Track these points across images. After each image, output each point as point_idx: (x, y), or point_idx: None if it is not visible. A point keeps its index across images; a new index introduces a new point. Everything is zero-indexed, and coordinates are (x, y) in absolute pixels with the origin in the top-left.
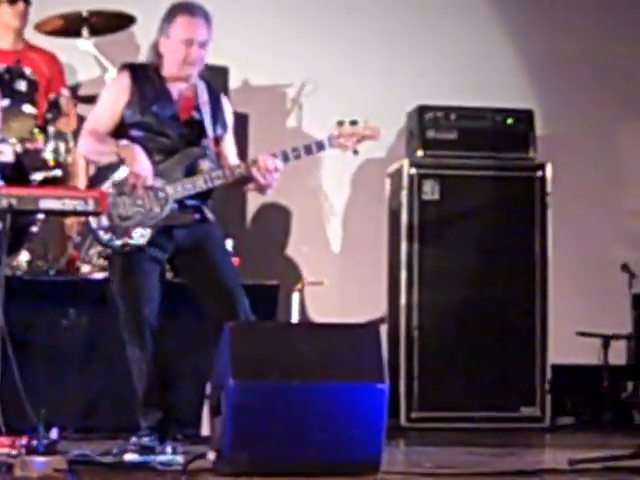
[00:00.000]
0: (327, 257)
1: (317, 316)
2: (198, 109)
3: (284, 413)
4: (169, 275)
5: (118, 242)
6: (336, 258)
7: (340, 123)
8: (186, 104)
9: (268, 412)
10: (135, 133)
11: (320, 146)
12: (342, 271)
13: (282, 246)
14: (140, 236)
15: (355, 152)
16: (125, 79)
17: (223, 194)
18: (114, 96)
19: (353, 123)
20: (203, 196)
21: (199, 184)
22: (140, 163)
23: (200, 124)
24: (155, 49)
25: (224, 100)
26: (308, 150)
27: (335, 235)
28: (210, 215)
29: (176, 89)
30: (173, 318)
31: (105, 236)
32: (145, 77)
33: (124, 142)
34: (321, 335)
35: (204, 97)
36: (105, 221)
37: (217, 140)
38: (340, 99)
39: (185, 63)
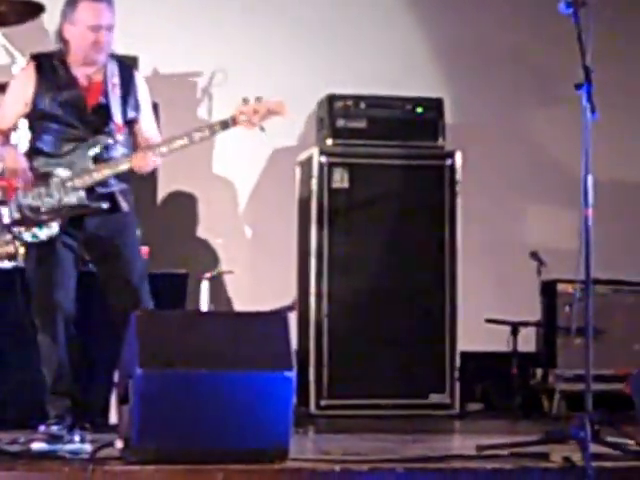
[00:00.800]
0: (238, 245)
1: (228, 304)
2: (107, 94)
3: (191, 401)
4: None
5: (28, 233)
6: (246, 246)
7: (245, 100)
8: (94, 90)
9: (175, 400)
10: (46, 124)
11: (224, 125)
12: (252, 259)
13: (192, 234)
14: (50, 226)
15: (262, 129)
16: (30, 72)
17: (133, 182)
18: (19, 91)
19: (258, 99)
20: (116, 184)
21: (105, 172)
22: (11, 160)
23: (108, 110)
24: (60, 36)
25: (138, 79)
26: (212, 129)
27: (245, 223)
28: (124, 204)
29: (84, 75)
30: (84, 306)
31: (16, 228)
32: (51, 67)
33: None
34: (228, 323)
35: (114, 80)
36: (16, 214)
37: (131, 123)
38: (251, 88)
39: (93, 49)
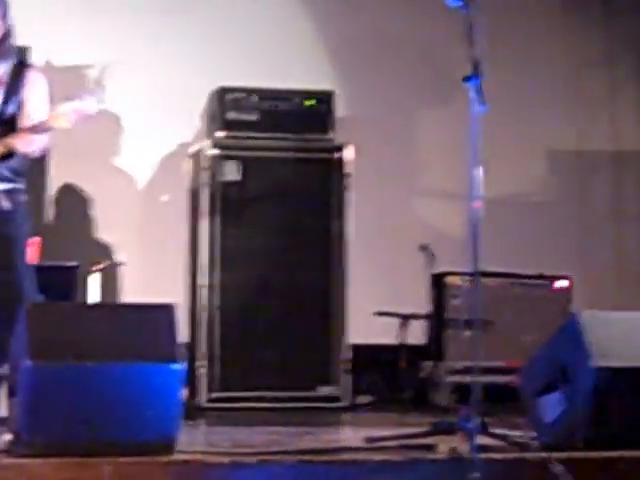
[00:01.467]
0: (129, 238)
1: (119, 296)
2: None
3: (80, 394)
4: None
5: None
6: (138, 239)
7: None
8: None
9: (64, 393)
10: None
11: (44, 127)
12: (144, 252)
13: (84, 227)
14: None
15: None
16: None
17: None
18: None
19: (69, 99)
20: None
21: None
22: None
23: None
24: None
25: (31, 75)
26: (34, 130)
27: (137, 216)
28: (5, 203)
29: None
30: None
31: None
32: None
33: None
34: (116, 316)
35: (3, 77)
36: None
37: (13, 119)
38: (143, 81)
39: None
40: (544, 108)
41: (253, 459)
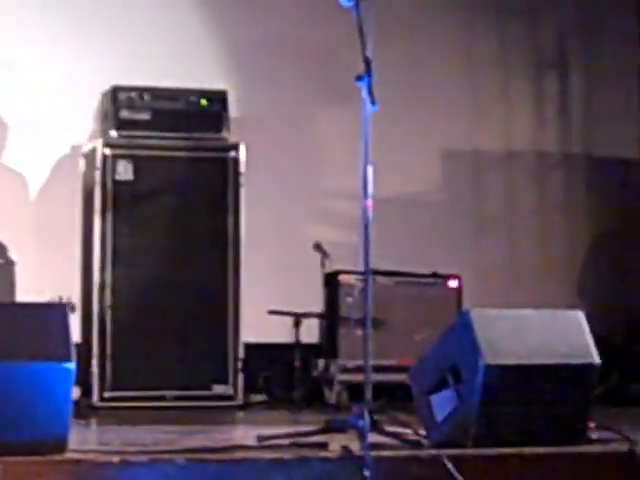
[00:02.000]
0: (23, 237)
1: (11, 294)
2: None
3: None
4: None
5: None
6: (32, 238)
7: None
8: None
9: None
10: None
11: None
12: (39, 251)
13: None
14: None
15: None
16: None
17: None
18: None
19: None
20: None
21: None
22: None
23: None
24: None
25: None
26: None
27: (31, 215)
28: None
29: None
30: None
31: None
32: None
33: None
34: (7, 313)
35: None
36: None
37: None
38: (36, 80)
39: None
40: (438, 108)
41: (144, 457)
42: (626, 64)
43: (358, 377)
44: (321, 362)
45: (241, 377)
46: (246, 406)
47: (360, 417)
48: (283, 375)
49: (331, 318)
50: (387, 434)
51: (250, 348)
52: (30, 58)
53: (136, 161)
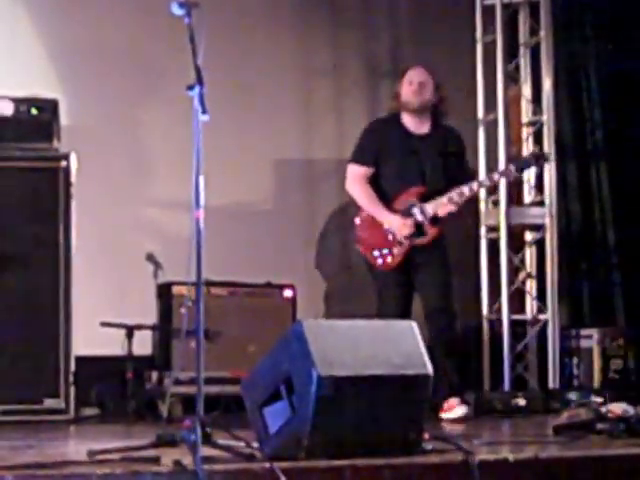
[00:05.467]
0: None
1: None
2: None
3: None
4: None
5: None
6: None
7: None
8: None
9: None
10: None
11: None
12: None
13: None
14: None
15: None
16: None
17: None
18: None
19: None
20: None
21: None
22: None
23: None
24: None
25: None
26: None
27: None
28: None
29: None
30: None
31: None
32: None
33: None
34: None
35: None
36: None
37: None
38: None
39: None
40: (271, 116)
41: None
42: (460, 73)
43: (192, 389)
44: (154, 374)
45: (73, 390)
46: (78, 420)
47: (192, 430)
48: (115, 388)
49: (164, 330)
50: (220, 447)
51: (82, 361)
52: None
53: None
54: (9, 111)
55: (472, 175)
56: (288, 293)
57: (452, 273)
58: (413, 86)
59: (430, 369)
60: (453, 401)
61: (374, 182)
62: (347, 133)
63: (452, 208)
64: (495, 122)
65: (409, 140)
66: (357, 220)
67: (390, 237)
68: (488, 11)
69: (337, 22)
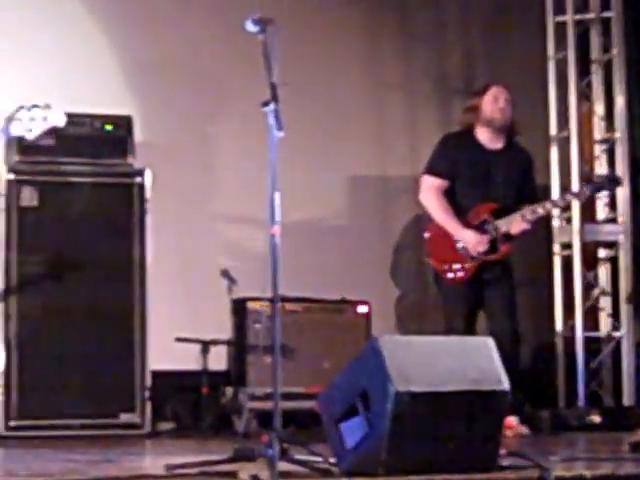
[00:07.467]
0: None
1: None
2: None
3: None
4: None
5: None
6: None
7: None
8: None
9: None
10: None
11: None
12: None
13: None
14: None
15: None
16: None
17: None
18: None
19: None
20: None
21: None
22: None
23: None
24: None
25: None
26: None
27: None
28: None
29: None
30: None
31: None
32: None
33: None
34: None
35: None
36: None
37: None
38: None
39: None
40: (345, 133)
41: None
42: (531, 89)
43: (267, 404)
44: (229, 390)
45: (149, 405)
46: (154, 435)
47: (269, 445)
48: (191, 403)
49: (239, 345)
50: (296, 462)
51: (158, 376)
52: None
53: (41, 187)
54: (62, 123)
55: (537, 194)
56: (363, 309)
57: (518, 290)
58: (500, 104)
59: (506, 385)
60: (512, 420)
61: (446, 195)
62: (420, 149)
63: (526, 227)
64: (566, 139)
65: (483, 155)
66: (427, 234)
67: (461, 252)
68: (560, 28)
69: (409, 37)
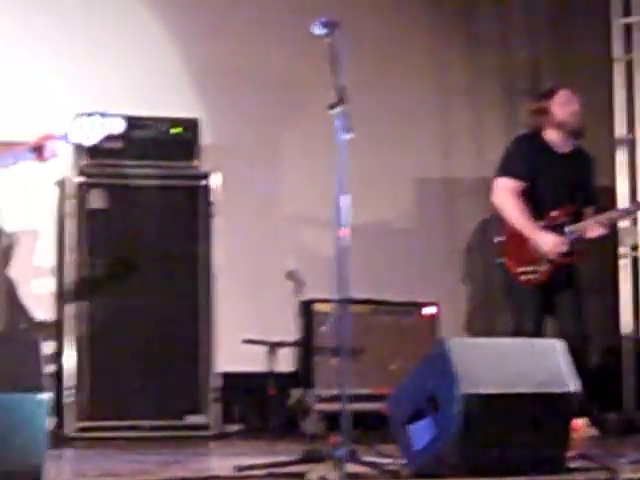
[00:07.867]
0: None
1: None
2: None
3: None
4: None
5: None
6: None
7: None
8: None
9: None
10: None
11: None
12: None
13: None
14: None
15: None
16: None
17: None
18: None
19: None
20: None
21: None
22: None
23: None
24: None
25: None
26: None
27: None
28: None
29: None
30: None
31: None
32: None
33: None
34: None
35: None
36: None
37: None
38: (5, 103)
39: None
40: (411, 135)
41: None
42: (596, 91)
43: (334, 406)
44: (296, 391)
45: (216, 406)
46: (221, 436)
47: (337, 446)
48: (258, 404)
49: (306, 347)
50: (365, 464)
51: (225, 377)
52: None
53: (109, 190)
54: (120, 129)
55: (598, 197)
56: (430, 311)
57: (585, 293)
58: (573, 107)
59: (575, 387)
60: (580, 422)
61: (521, 197)
62: (485, 152)
63: (603, 231)
64: (631, 142)
65: (555, 158)
66: (501, 236)
67: (537, 254)
68: (626, 29)
69: (474, 41)
